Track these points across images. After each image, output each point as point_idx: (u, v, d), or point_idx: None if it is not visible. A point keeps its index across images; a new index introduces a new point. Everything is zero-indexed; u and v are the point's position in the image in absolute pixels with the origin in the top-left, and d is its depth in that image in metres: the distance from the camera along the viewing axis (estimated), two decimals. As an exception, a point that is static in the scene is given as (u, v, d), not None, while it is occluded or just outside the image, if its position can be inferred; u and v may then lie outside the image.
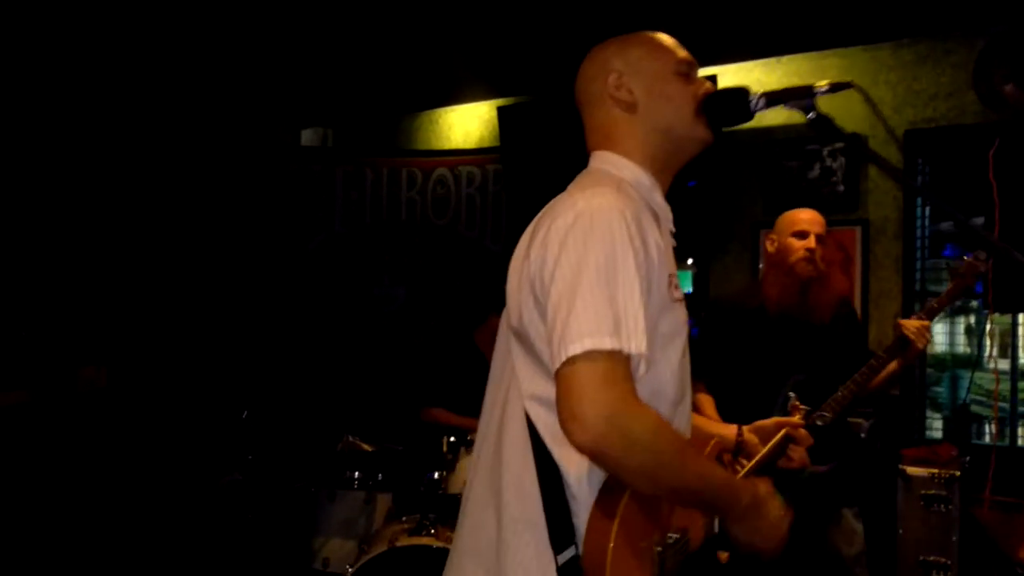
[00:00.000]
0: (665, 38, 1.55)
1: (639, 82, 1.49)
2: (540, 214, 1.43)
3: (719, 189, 4.65)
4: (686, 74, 1.51)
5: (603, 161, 1.51)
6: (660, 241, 1.39)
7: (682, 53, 1.53)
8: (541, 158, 4.80)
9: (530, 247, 1.39)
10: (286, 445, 4.62)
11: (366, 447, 3.88)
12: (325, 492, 3.76)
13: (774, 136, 4.53)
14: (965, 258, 2.81)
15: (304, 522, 3.87)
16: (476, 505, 1.46)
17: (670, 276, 1.40)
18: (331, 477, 3.78)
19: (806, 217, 2.99)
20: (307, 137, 6.55)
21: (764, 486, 1.46)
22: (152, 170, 5.38)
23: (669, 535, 1.37)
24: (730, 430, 1.86)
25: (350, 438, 3.92)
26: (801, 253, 2.91)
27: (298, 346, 5.46)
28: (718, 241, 4.70)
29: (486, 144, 5.70)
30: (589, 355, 1.22)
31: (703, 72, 1.57)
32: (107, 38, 4.44)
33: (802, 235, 2.94)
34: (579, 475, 1.32)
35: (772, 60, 4.66)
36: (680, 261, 1.55)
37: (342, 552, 3.65)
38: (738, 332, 2.98)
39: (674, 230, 1.54)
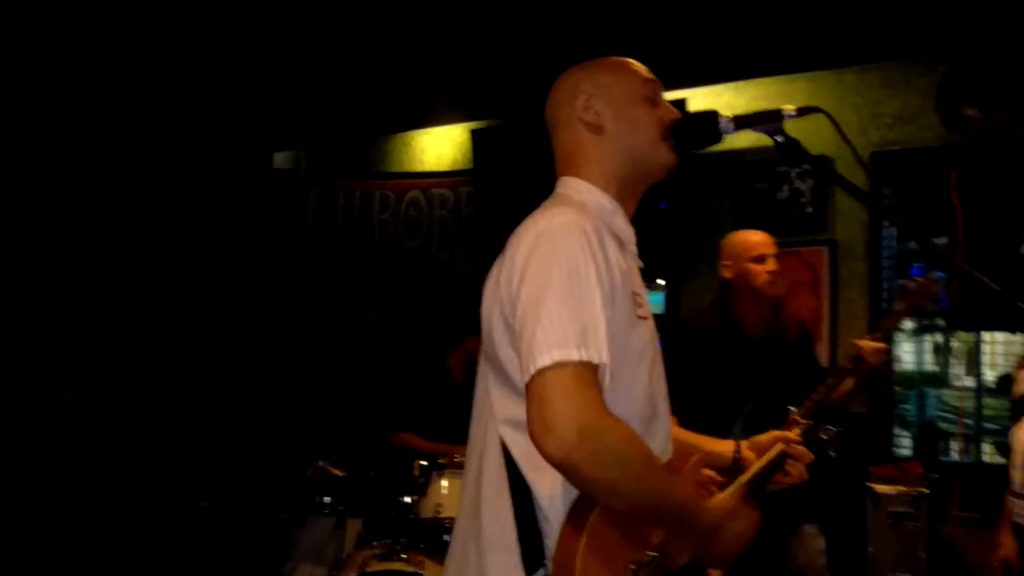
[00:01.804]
0: (633, 63, 1.58)
1: (607, 105, 1.52)
2: (509, 238, 1.45)
3: (690, 210, 4.69)
4: (652, 98, 1.54)
5: (566, 186, 1.53)
6: (622, 261, 1.41)
7: (649, 77, 1.56)
8: (514, 180, 4.82)
9: (499, 271, 1.41)
10: (255, 471, 4.56)
11: (336, 472, 3.84)
12: (295, 518, 3.71)
13: (744, 158, 4.58)
14: (914, 277, 2.83)
15: (274, 548, 3.82)
16: (459, 533, 1.47)
17: (634, 295, 1.42)
18: (301, 503, 3.74)
19: (760, 240, 3.01)
20: (280, 160, 6.52)
21: (735, 501, 1.48)
22: (123, 193, 5.32)
23: (647, 553, 1.36)
24: (727, 447, 1.86)
25: (320, 463, 3.88)
26: (765, 276, 2.95)
27: (268, 370, 5.40)
28: (689, 262, 4.73)
29: (459, 167, 5.71)
30: (558, 366, 1.23)
31: (674, 95, 1.59)
32: (78, 60, 4.41)
33: (761, 259, 2.97)
34: (551, 496, 1.33)
35: (741, 83, 4.73)
36: (651, 281, 1.57)
37: (313, 578, 3.60)
38: (708, 356, 2.97)
39: (636, 251, 1.54)
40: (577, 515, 1.30)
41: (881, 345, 2.80)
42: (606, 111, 1.51)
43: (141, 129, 5.35)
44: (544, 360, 1.23)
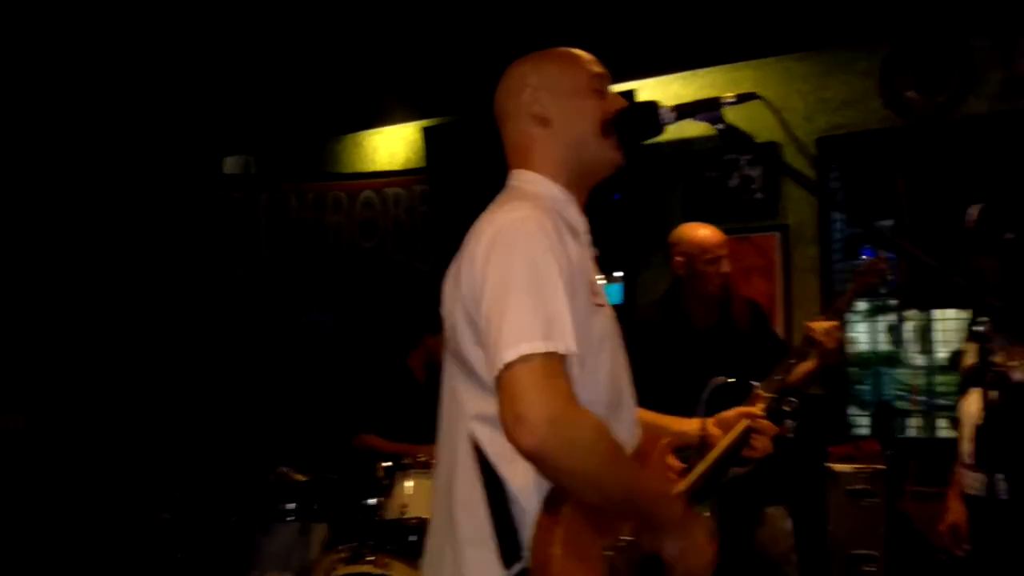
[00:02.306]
0: (580, 53, 1.58)
1: (553, 97, 1.52)
2: (467, 235, 1.44)
3: (642, 201, 4.73)
4: (599, 90, 1.54)
5: (519, 179, 1.54)
6: (578, 251, 1.43)
7: (596, 68, 1.56)
8: (468, 177, 4.80)
9: (459, 268, 1.41)
10: (216, 480, 4.50)
11: (299, 477, 3.80)
12: (259, 526, 3.67)
13: (693, 147, 4.62)
14: (863, 257, 2.88)
15: (238, 558, 3.77)
16: (435, 531, 1.48)
17: (590, 283, 1.44)
18: (264, 510, 3.69)
19: (714, 241, 3.03)
20: (230, 165, 6.43)
21: (696, 511, 1.48)
22: (72, 201, 5.21)
23: (621, 538, 1.38)
24: (693, 425, 1.88)
25: (282, 469, 3.84)
26: (718, 279, 2.99)
27: (226, 378, 5.32)
28: (643, 252, 4.77)
29: (412, 165, 5.68)
30: (525, 359, 1.24)
31: (623, 87, 1.60)
32: (26, 63, 4.30)
33: (715, 261, 3.00)
34: (525, 488, 1.34)
35: (689, 73, 4.77)
36: (608, 273, 1.57)
37: (279, 586, 3.56)
38: (660, 346, 2.99)
39: (591, 238, 1.55)
40: (551, 505, 1.31)
41: (833, 324, 2.84)
42: (552, 103, 1.52)
43: (87, 137, 5.23)
44: (511, 354, 1.25)
